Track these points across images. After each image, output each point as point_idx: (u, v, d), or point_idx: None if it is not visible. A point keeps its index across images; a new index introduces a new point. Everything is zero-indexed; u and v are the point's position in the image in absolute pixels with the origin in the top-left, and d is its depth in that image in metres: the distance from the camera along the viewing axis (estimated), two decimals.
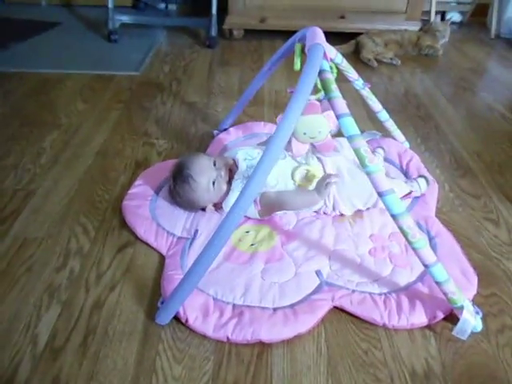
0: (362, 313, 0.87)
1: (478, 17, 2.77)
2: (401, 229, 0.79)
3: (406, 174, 1.27)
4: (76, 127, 1.55)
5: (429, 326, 0.87)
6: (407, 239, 0.79)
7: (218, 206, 1.10)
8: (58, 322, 0.87)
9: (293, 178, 1.07)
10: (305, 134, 1.02)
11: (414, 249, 0.80)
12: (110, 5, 2.27)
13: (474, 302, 0.90)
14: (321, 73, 0.82)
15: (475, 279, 0.95)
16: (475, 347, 0.84)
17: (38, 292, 0.93)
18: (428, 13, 2.57)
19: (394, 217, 0.78)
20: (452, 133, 1.58)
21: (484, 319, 0.87)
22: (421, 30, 2.37)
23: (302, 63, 0.89)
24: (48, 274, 0.97)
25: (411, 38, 2.29)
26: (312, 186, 1.07)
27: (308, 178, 1.07)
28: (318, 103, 1.02)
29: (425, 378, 0.79)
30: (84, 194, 1.22)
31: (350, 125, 0.79)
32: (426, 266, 0.81)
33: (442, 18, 2.73)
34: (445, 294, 0.83)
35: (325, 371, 0.79)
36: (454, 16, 2.79)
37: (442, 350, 0.83)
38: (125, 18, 2.38)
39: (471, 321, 0.82)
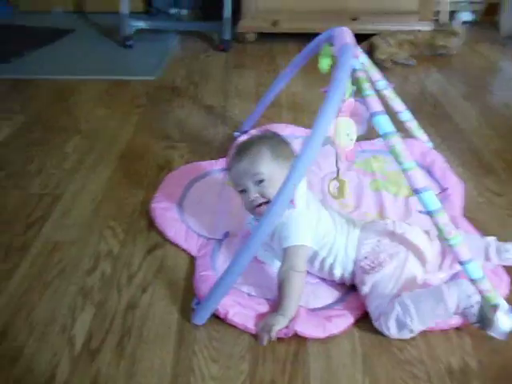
0: None
1: (490, 16, 2.76)
2: (436, 226, 0.79)
3: (430, 173, 1.27)
4: (97, 132, 1.56)
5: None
6: (443, 236, 0.79)
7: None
8: (93, 323, 0.88)
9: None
10: (348, 134, 0.93)
11: (449, 246, 0.80)
12: (125, 11, 2.28)
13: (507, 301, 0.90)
14: (353, 72, 0.83)
15: (507, 278, 0.94)
16: (511, 344, 0.83)
17: (72, 294, 0.94)
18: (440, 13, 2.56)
19: (430, 213, 0.78)
20: (470, 131, 1.57)
21: None
22: (435, 30, 2.36)
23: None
24: (80, 276, 0.98)
25: (425, 38, 2.28)
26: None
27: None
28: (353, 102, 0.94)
29: (462, 374, 0.79)
30: (110, 197, 1.23)
31: (385, 122, 0.79)
32: (461, 263, 0.81)
33: (453, 18, 2.73)
34: (480, 291, 0.82)
35: (361, 368, 0.80)
36: (466, 15, 2.78)
37: (477, 348, 0.83)
38: (140, 24, 2.39)
39: (507, 319, 0.81)
